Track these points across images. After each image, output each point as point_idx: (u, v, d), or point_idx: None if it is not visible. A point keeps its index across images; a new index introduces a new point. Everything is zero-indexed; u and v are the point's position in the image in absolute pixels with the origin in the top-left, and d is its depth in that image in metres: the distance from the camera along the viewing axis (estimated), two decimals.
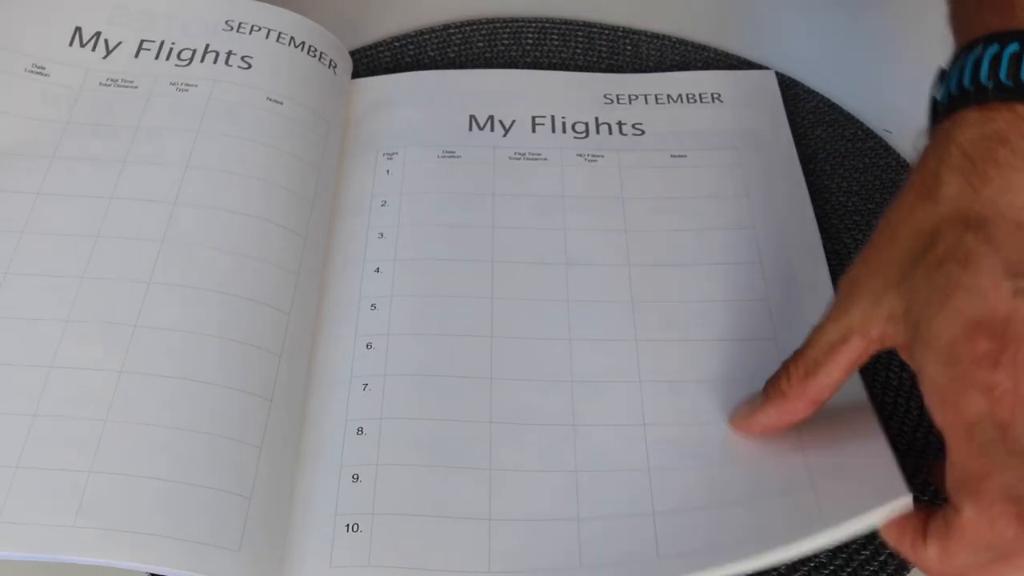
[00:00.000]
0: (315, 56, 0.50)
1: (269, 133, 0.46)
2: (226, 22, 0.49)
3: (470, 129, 0.50)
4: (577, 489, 0.38)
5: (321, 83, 0.49)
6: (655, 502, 0.37)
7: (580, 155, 0.48)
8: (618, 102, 0.51)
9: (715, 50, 0.54)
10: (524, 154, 0.49)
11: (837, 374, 0.35)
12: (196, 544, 0.35)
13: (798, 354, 0.37)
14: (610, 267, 0.44)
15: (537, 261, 0.45)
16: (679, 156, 0.48)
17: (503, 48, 0.55)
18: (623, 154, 0.48)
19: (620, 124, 0.50)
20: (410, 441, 0.39)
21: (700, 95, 0.50)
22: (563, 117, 0.50)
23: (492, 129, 0.50)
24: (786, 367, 0.37)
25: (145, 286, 0.40)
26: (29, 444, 0.36)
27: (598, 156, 0.48)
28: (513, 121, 0.50)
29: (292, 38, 0.49)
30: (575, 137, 0.49)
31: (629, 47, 0.55)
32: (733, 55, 0.54)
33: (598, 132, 0.49)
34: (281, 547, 0.37)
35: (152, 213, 0.42)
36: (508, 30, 0.56)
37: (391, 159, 0.49)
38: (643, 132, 0.49)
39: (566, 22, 0.56)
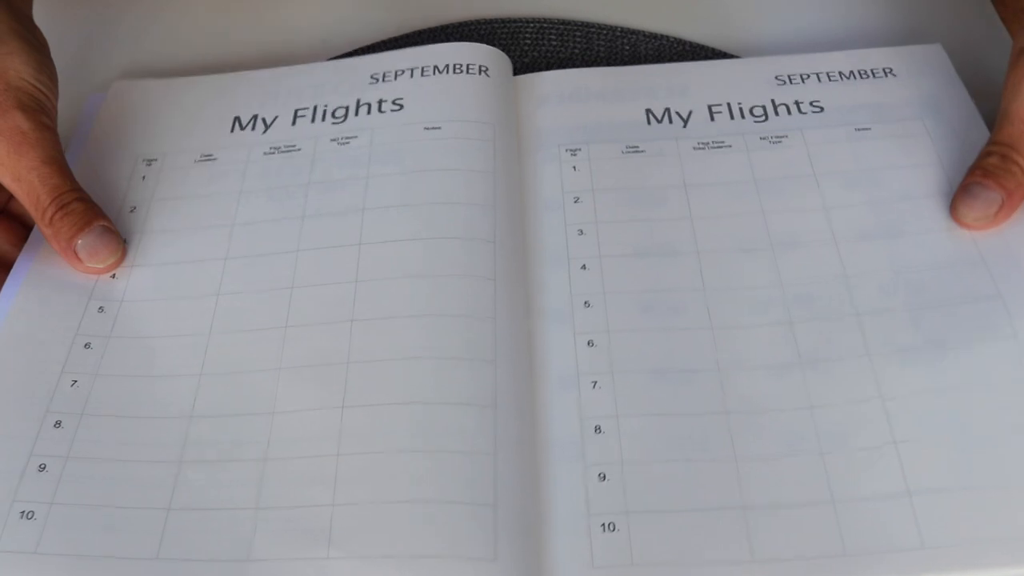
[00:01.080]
0: (461, 72, 0.50)
1: (434, 158, 0.47)
2: (371, 76, 0.51)
3: (648, 123, 0.50)
4: (826, 471, 0.38)
5: (475, 93, 0.49)
6: (908, 479, 0.37)
7: (763, 138, 0.49)
8: (791, 82, 0.51)
9: (712, 49, 0.55)
10: (708, 143, 0.49)
11: None
12: (451, 559, 0.35)
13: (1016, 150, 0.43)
14: (816, 245, 0.44)
15: (742, 248, 0.45)
16: (863, 129, 0.48)
17: (500, 48, 0.55)
18: (807, 132, 0.49)
19: (798, 103, 0.50)
20: (650, 437, 0.39)
21: (872, 70, 0.51)
22: (739, 103, 0.50)
23: (671, 121, 0.50)
24: (1014, 160, 0.43)
25: (349, 324, 0.42)
26: (265, 485, 0.38)
27: (782, 137, 0.49)
28: (690, 112, 0.50)
29: (435, 66, 0.51)
30: (755, 121, 0.49)
31: (627, 47, 0.55)
32: (731, 55, 0.55)
33: (776, 114, 0.50)
34: (537, 552, 0.37)
35: (340, 258, 0.44)
36: (506, 31, 0.56)
37: (575, 155, 0.48)
38: (822, 109, 0.50)
39: (564, 22, 0.56)
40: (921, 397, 0.40)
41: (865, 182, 0.47)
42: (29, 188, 0.43)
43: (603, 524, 0.37)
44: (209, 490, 0.38)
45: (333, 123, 0.50)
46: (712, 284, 0.43)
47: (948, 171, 0.46)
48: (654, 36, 0.56)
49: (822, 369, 0.41)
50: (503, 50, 0.55)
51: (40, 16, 0.50)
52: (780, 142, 0.49)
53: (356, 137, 0.49)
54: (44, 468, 0.38)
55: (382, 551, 0.36)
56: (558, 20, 0.56)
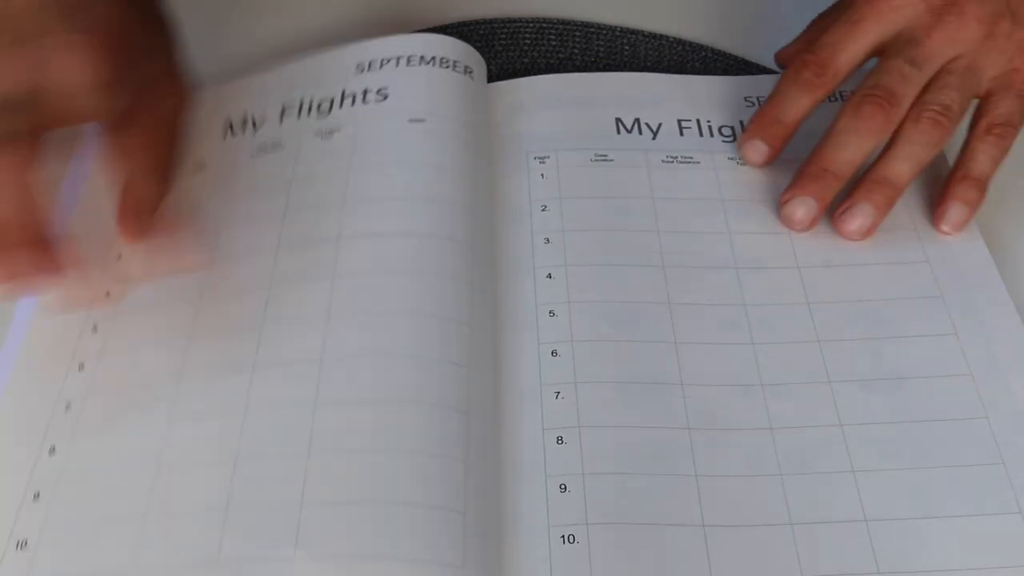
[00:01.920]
0: (448, 67, 0.50)
1: (416, 151, 0.47)
2: (356, 65, 0.51)
3: (618, 132, 0.50)
4: (785, 494, 0.38)
5: (459, 91, 0.49)
6: (865, 507, 0.38)
7: (731, 158, 0.49)
8: (759, 104, 0.51)
9: (712, 49, 0.55)
10: (676, 157, 0.49)
11: None
12: (421, 563, 0.35)
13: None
14: (780, 269, 0.45)
15: (707, 265, 0.45)
16: None
17: (500, 48, 0.55)
18: None
19: None
20: (612, 449, 0.39)
21: (841, 94, 0.51)
22: (708, 120, 0.50)
23: (640, 132, 0.50)
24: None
25: (324, 322, 0.41)
26: (235, 485, 0.37)
27: None
28: (660, 124, 0.50)
29: (422, 56, 0.50)
30: (723, 140, 0.50)
31: (627, 47, 0.55)
32: (731, 55, 0.55)
33: None
34: (499, 560, 0.37)
35: (319, 253, 0.43)
36: (505, 31, 0.56)
37: (543, 163, 0.48)
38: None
39: (563, 22, 0.56)
40: (880, 427, 0.40)
41: None
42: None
43: (563, 535, 0.37)
44: (183, 494, 0.38)
45: (318, 117, 0.49)
46: (677, 299, 0.44)
47: (909, 205, 0.47)
48: (654, 36, 0.56)
49: (783, 392, 0.41)
50: (503, 50, 0.55)
51: None
52: (746, 164, 0.49)
53: (340, 130, 0.48)
54: (38, 496, 0.39)
55: (349, 551, 0.35)
56: (557, 20, 0.56)
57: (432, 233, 0.44)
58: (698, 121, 0.50)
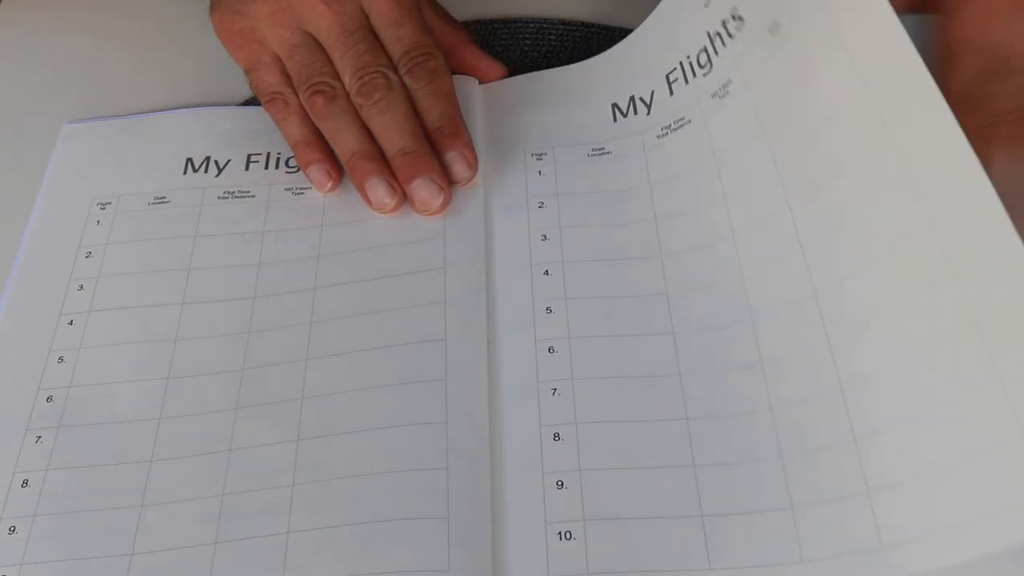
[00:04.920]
0: None
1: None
2: None
3: (615, 120, 0.49)
4: (786, 476, 0.37)
5: None
6: (868, 478, 0.36)
7: (714, 95, 0.46)
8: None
9: None
10: (670, 126, 0.48)
11: None
12: (403, 573, 0.36)
13: None
14: (780, 247, 0.42)
15: (705, 245, 0.44)
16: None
17: (501, 48, 0.55)
18: (745, 71, 0.46)
19: (724, 24, 0.47)
20: (609, 444, 0.39)
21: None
22: (688, 57, 0.48)
23: (635, 112, 0.49)
24: None
25: (304, 363, 0.42)
26: (222, 520, 0.38)
27: (727, 85, 0.46)
28: (652, 92, 0.49)
29: None
30: (704, 75, 0.47)
31: None
32: None
33: (716, 52, 0.47)
34: (491, 561, 0.37)
35: (297, 302, 0.45)
36: (507, 31, 0.56)
37: (541, 159, 0.48)
38: (742, 19, 0.46)
39: (564, 22, 0.56)
40: (880, 383, 0.37)
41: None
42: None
43: (560, 533, 0.37)
44: (169, 530, 0.38)
45: (287, 172, 0.50)
46: (675, 286, 0.43)
47: None
48: None
49: (784, 369, 0.39)
50: (503, 51, 0.55)
51: None
52: (727, 94, 0.46)
53: (310, 188, 0.49)
54: (14, 531, 0.39)
55: (334, 572, 0.36)
56: (558, 20, 0.56)
57: (399, 272, 0.45)
58: (680, 64, 0.48)
